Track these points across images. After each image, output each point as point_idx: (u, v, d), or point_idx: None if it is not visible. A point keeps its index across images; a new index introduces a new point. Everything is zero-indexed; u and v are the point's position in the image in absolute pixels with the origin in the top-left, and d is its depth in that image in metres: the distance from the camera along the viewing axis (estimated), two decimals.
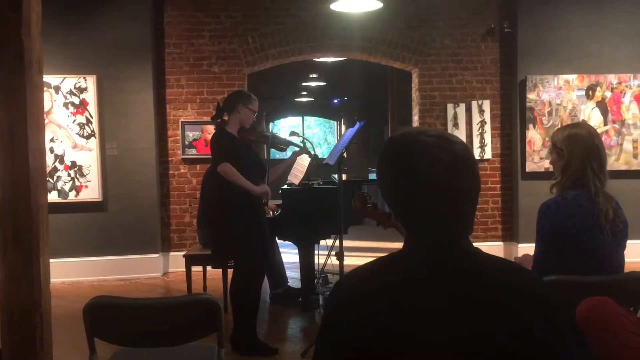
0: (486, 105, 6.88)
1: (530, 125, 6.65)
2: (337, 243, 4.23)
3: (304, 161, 5.00)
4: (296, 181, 5.06)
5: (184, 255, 5.08)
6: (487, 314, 1.15)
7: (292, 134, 4.92)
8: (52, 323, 2.35)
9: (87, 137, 6.30)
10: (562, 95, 6.67)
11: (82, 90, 6.28)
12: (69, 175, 6.29)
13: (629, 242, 2.49)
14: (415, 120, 7.19)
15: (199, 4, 6.66)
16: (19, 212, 2.13)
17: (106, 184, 6.36)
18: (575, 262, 2.37)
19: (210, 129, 6.25)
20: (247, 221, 3.95)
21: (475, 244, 1.25)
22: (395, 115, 13.01)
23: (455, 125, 6.83)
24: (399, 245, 1.29)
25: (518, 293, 1.19)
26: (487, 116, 6.88)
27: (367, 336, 1.15)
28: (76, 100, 6.28)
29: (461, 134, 6.72)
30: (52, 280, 2.42)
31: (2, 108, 2.07)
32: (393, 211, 1.30)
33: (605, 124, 6.70)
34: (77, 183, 6.30)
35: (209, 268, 5.36)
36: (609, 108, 6.71)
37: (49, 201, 2.41)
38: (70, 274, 6.20)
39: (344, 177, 4.74)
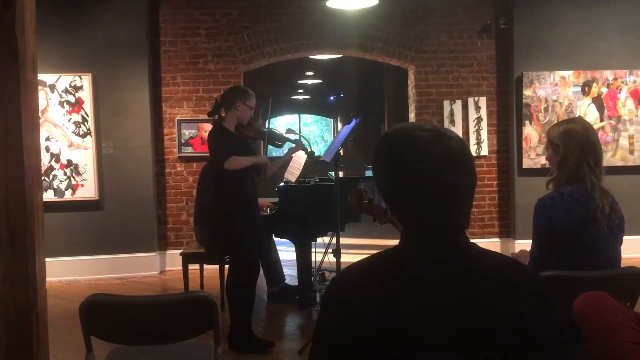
0: (482, 102, 6.88)
1: (527, 122, 6.66)
2: (334, 240, 4.23)
3: (300, 158, 5.00)
4: (293, 178, 5.06)
5: (180, 254, 5.08)
6: (483, 309, 1.15)
7: (289, 131, 4.91)
8: (49, 322, 2.34)
9: (83, 136, 6.29)
10: (558, 91, 6.68)
11: (77, 88, 6.26)
12: (65, 174, 6.28)
13: (625, 237, 2.49)
14: (412, 117, 7.20)
15: (195, 1, 6.64)
16: (14, 211, 2.12)
17: (102, 183, 6.35)
18: (572, 257, 2.38)
19: (207, 127, 6.24)
20: (241, 218, 3.95)
21: (472, 241, 1.25)
22: (392, 112, 13.02)
23: (452, 122, 6.83)
24: (395, 242, 1.28)
25: (514, 288, 1.19)
26: (483, 113, 6.88)
27: (363, 332, 1.15)
28: (72, 99, 6.26)
29: (458, 131, 6.72)
30: (48, 279, 2.41)
31: None
32: (389, 206, 1.30)
33: (601, 120, 6.71)
34: (73, 182, 6.28)
35: (206, 266, 5.36)
36: (605, 104, 6.72)
37: (45, 200, 2.40)
38: (66, 272, 6.19)
39: (340, 174, 4.73)
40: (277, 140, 4.48)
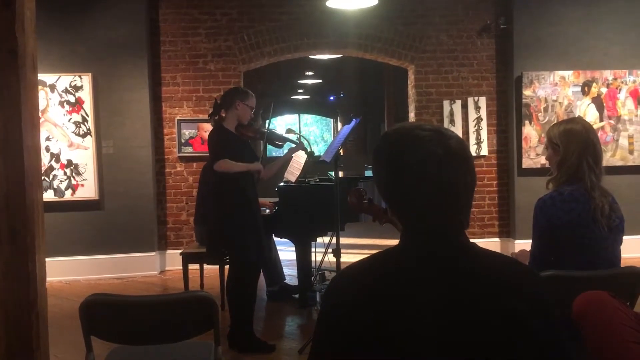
0: (482, 101, 6.88)
1: (527, 122, 6.66)
2: (334, 240, 4.23)
3: (300, 158, 5.00)
4: (293, 178, 5.06)
5: (180, 253, 5.08)
6: (483, 308, 1.15)
7: (289, 131, 4.91)
8: (49, 322, 2.35)
9: (83, 136, 6.29)
10: (558, 91, 6.68)
11: (77, 88, 6.26)
12: (65, 174, 6.28)
13: (625, 237, 2.49)
14: (412, 117, 7.20)
15: (194, 1, 6.64)
16: (14, 211, 2.12)
17: (102, 183, 6.35)
18: (572, 257, 2.38)
19: (207, 127, 6.24)
20: (242, 218, 3.95)
21: (472, 241, 1.25)
22: (392, 112, 13.02)
23: (452, 122, 6.83)
24: (395, 242, 1.29)
25: (513, 287, 1.19)
26: (483, 113, 6.88)
27: (363, 332, 1.15)
28: (72, 99, 6.26)
29: (457, 131, 6.72)
30: (48, 279, 2.41)
31: None
32: (389, 206, 1.30)
33: (601, 119, 6.71)
34: (73, 182, 6.28)
35: (206, 266, 5.36)
36: (604, 104, 6.72)
37: (45, 200, 2.40)
38: (66, 272, 6.19)
39: (340, 174, 4.73)
40: (277, 140, 4.48)
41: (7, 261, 2.11)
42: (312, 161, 4.93)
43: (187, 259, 4.95)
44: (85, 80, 6.26)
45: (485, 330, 1.14)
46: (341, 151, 4.55)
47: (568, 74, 6.67)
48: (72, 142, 6.28)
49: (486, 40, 6.92)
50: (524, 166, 6.68)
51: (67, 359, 3.89)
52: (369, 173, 6.88)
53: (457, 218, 1.24)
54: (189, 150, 6.63)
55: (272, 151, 15.78)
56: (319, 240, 5.10)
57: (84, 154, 6.28)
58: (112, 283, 6.10)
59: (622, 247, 2.48)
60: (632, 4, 6.73)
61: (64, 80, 6.25)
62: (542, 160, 6.37)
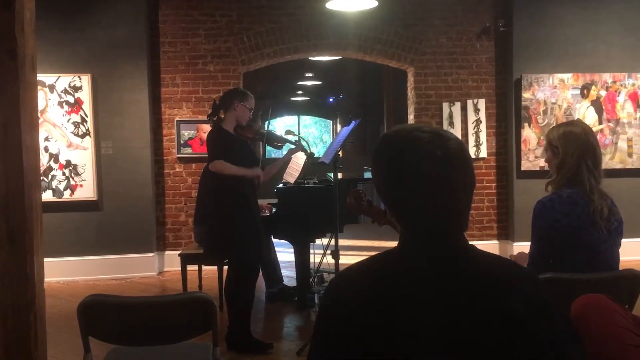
0: (481, 104, 6.89)
1: (526, 124, 6.67)
2: (333, 241, 4.23)
3: (299, 160, 5.00)
4: (292, 180, 5.06)
5: (179, 254, 5.07)
6: (482, 310, 1.15)
7: (288, 132, 4.91)
8: (47, 322, 2.34)
9: (82, 136, 6.28)
10: (557, 94, 6.68)
11: (76, 89, 6.26)
12: (63, 174, 6.27)
13: (624, 240, 2.50)
14: (411, 119, 7.20)
15: (194, 2, 6.64)
16: (12, 211, 2.11)
17: (101, 183, 6.35)
18: (571, 259, 2.38)
19: (206, 128, 6.24)
20: (241, 219, 3.95)
21: (470, 243, 1.25)
22: (391, 114, 13.03)
23: (451, 124, 6.84)
24: (394, 244, 1.29)
25: (512, 288, 1.19)
26: (482, 115, 6.89)
27: (362, 333, 1.15)
28: (71, 99, 6.26)
29: (457, 133, 6.72)
30: (46, 279, 2.41)
31: None
32: (388, 207, 1.30)
33: (600, 122, 6.71)
34: (72, 182, 6.28)
35: (204, 267, 5.35)
36: (603, 107, 6.73)
37: (43, 200, 2.40)
38: (65, 273, 6.18)
39: (339, 175, 4.73)
40: (276, 141, 4.48)
41: (5, 261, 2.11)
42: (311, 162, 4.93)
43: (185, 259, 4.94)
44: (85, 81, 6.25)
45: (484, 332, 1.13)
46: (340, 153, 4.55)
47: (567, 76, 6.68)
48: (71, 142, 6.27)
49: (485, 43, 6.93)
50: (523, 169, 6.68)
51: (65, 359, 3.88)
52: (368, 175, 6.89)
53: (456, 220, 1.24)
54: (188, 151, 6.63)
55: (271, 152, 15.78)
56: (318, 241, 5.10)
57: (83, 155, 6.28)
58: (111, 284, 6.09)
59: (621, 250, 2.48)
60: (631, 7, 6.74)
61: (63, 80, 6.24)
62: (541, 162, 6.38)
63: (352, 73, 13.77)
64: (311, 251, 5.02)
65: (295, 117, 20.68)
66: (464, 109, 6.89)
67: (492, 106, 6.94)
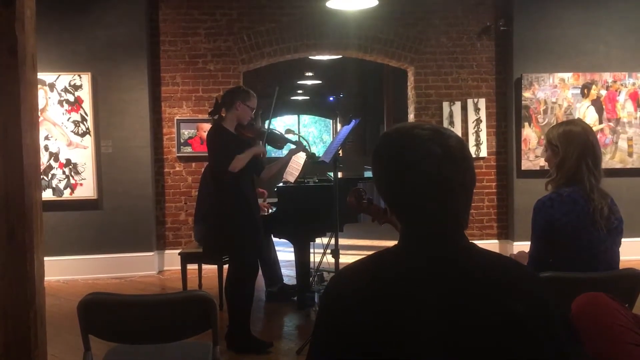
0: (482, 103, 6.89)
1: (526, 124, 6.66)
2: (333, 241, 4.23)
3: (299, 159, 4.99)
4: (292, 179, 5.05)
5: (179, 253, 5.07)
6: (481, 308, 1.15)
7: (288, 131, 4.90)
8: (47, 321, 2.34)
9: (82, 135, 6.28)
10: (557, 93, 6.68)
11: (76, 87, 6.26)
12: (63, 173, 6.27)
13: (624, 240, 2.50)
14: (411, 119, 7.20)
15: (194, 1, 6.64)
16: (12, 209, 2.11)
17: (101, 182, 6.35)
18: (571, 258, 2.38)
19: (206, 127, 6.24)
20: (241, 218, 3.95)
21: (470, 242, 1.25)
22: (391, 113, 13.03)
23: (451, 123, 6.83)
24: (394, 243, 1.28)
25: (511, 287, 1.19)
26: (482, 114, 6.88)
27: (361, 331, 1.15)
28: (71, 98, 6.26)
29: (457, 132, 6.63)
30: (46, 278, 2.40)
31: None
32: (388, 206, 1.30)
33: (601, 122, 6.71)
34: (71, 181, 6.28)
35: (204, 266, 5.35)
36: (604, 106, 6.73)
37: (43, 199, 2.40)
38: (64, 272, 6.18)
39: (339, 174, 4.73)
40: (277, 141, 4.48)
41: (5, 260, 2.11)
42: (312, 162, 4.93)
43: (185, 258, 4.94)
44: (85, 80, 6.25)
45: (484, 332, 1.13)
46: (340, 152, 4.55)
47: (568, 76, 6.68)
48: (71, 141, 6.27)
49: (486, 42, 6.92)
50: (523, 168, 6.68)
51: (65, 358, 3.88)
52: (368, 174, 6.89)
53: (456, 218, 1.24)
54: (188, 150, 6.63)
55: (272, 152, 15.77)
56: (318, 240, 5.10)
57: (83, 153, 6.28)
58: (111, 283, 6.09)
59: (621, 249, 2.48)
60: (631, 7, 6.73)
61: (64, 79, 6.24)
62: (542, 162, 6.38)
63: (352, 72, 13.77)
64: (311, 250, 5.02)
65: (295, 116, 20.68)
66: (464, 109, 6.89)
67: (492, 105, 6.94)
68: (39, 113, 5.86)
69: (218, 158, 3.94)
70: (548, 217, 2.40)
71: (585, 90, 6.70)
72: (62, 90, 6.25)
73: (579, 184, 2.41)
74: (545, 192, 2.52)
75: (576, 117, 6.48)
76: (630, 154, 6.74)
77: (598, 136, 5.10)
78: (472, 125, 6.87)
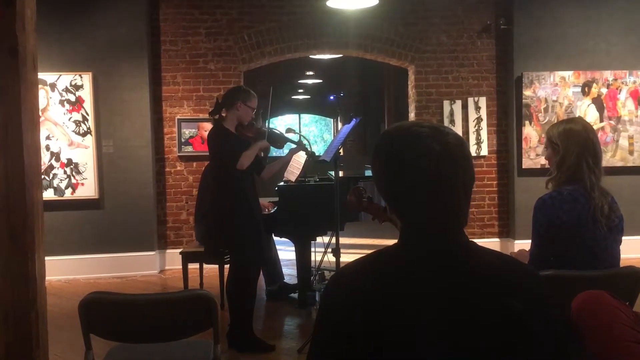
0: (482, 102, 6.88)
1: (527, 122, 6.66)
2: (334, 240, 4.23)
3: (300, 158, 4.99)
4: (292, 178, 5.06)
5: (180, 253, 5.08)
6: (481, 305, 1.15)
7: (289, 130, 4.91)
8: (48, 320, 2.34)
9: (83, 135, 6.29)
10: (558, 91, 6.68)
11: (78, 87, 6.26)
12: (65, 172, 6.28)
13: (624, 238, 2.50)
14: (412, 117, 7.19)
15: (195, 1, 6.64)
16: (14, 209, 2.11)
17: (102, 182, 6.35)
18: (571, 256, 2.38)
19: (207, 126, 6.24)
20: (242, 217, 3.95)
21: (471, 240, 1.25)
22: (392, 112, 13.02)
23: (452, 122, 6.83)
24: (394, 242, 1.28)
25: (512, 284, 1.20)
26: (483, 113, 6.88)
27: (361, 329, 1.15)
28: (72, 98, 6.27)
29: (457, 131, 6.69)
30: (47, 278, 2.41)
31: None
32: (388, 203, 1.30)
33: (601, 120, 6.71)
34: (73, 180, 6.28)
35: (205, 265, 5.36)
36: (604, 104, 6.72)
37: (45, 199, 2.40)
38: (66, 271, 6.19)
39: (340, 173, 4.73)
40: (277, 140, 4.47)
41: (6, 260, 2.11)
42: (312, 161, 4.93)
43: (186, 258, 4.95)
44: (86, 79, 6.26)
45: (483, 329, 1.14)
46: (341, 151, 4.55)
47: (568, 74, 6.67)
48: (72, 141, 6.28)
49: (486, 41, 6.92)
50: (524, 166, 6.68)
51: (67, 357, 3.89)
52: (368, 173, 6.89)
53: (455, 215, 1.24)
54: (189, 149, 6.63)
55: (273, 151, 15.76)
56: (319, 239, 5.10)
57: (84, 153, 6.29)
58: (112, 282, 6.10)
59: (621, 247, 2.48)
60: (632, 5, 6.73)
61: (65, 79, 6.25)
62: (542, 160, 6.37)
63: (352, 71, 13.77)
64: (312, 249, 5.03)
65: (296, 115, 20.67)
66: (464, 107, 6.89)
67: (493, 104, 6.94)
68: (40, 113, 5.87)
69: (225, 157, 3.92)
70: (549, 216, 2.40)
71: (585, 88, 6.69)
72: (63, 90, 6.25)
73: (579, 182, 2.41)
74: (545, 191, 2.52)
75: (577, 116, 6.47)
76: (631, 152, 6.74)
77: (599, 134, 5.09)
78: (472, 123, 6.87)
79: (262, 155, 4.16)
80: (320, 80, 15.58)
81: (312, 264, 5.12)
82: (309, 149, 4.56)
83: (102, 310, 2.32)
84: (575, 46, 6.70)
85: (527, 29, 6.68)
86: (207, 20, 6.66)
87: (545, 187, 2.55)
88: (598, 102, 6.71)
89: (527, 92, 6.65)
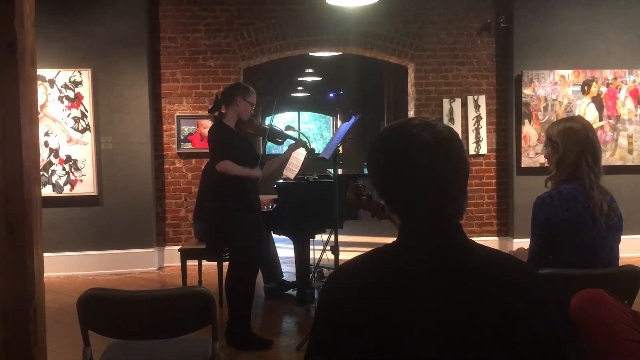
0: (482, 100, 6.88)
1: (526, 121, 6.66)
2: (333, 237, 4.23)
3: (299, 155, 4.99)
4: (292, 175, 5.05)
5: (179, 250, 5.07)
6: (479, 303, 1.15)
7: (288, 128, 4.90)
8: (47, 317, 2.34)
9: (82, 131, 6.28)
10: (557, 90, 6.68)
11: (77, 83, 6.26)
12: (63, 169, 6.27)
13: (623, 237, 2.49)
14: (411, 115, 7.19)
15: None
16: (12, 205, 2.11)
17: (101, 178, 6.35)
18: (570, 255, 2.38)
19: (206, 124, 6.24)
20: (242, 216, 3.95)
21: (470, 239, 1.25)
22: (391, 110, 13.03)
23: (451, 120, 6.83)
24: (393, 240, 1.28)
25: (510, 283, 1.20)
26: (482, 111, 6.88)
27: (360, 326, 1.15)
28: (71, 94, 6.26)
29: (457, 129, 6.71)
30: (46, 274, 2.41)
31: None
32: (383, 199, 1.31)
33: (601, 119, 6.71)
34: (71, 177, 6.28)
35: (204, 262, 5.36)
36: (604, 103, 6.72)
37: (43, 195, 2.40)
38: (64, 268, 6.19)
39: (339, 171, 4.73)
40: (277, 137, 4.47)
41: (5, 256, 2.11)
42: (312, 158, 4.93)
43: (185, 255, 4.95)
44: (85, 76, 6.25)
45: (482, 327, 1.14)
46: (340, 149, 4.54)
47: (568, 73, 6.67)
48: (71, 137, 6.27)
49: (486, 39, 6.92)
50: (523, 165, 6.68)
51: (65, 353, 3.89)
52: (367, 171, 6.89)
53: (451, 207, 1.24)
54: (188, 146, 6.63)
55: (272, 148, 15.77)
56: (318, 237, 5.10)
57: (83, 150, 6.28)
58: (111, 279, 6.10)
59: (620, 246, 2.48)
60: (632, 4, 6.72)
61: (64, 75, 6.24)
62: (541, 159, 6.37)
63: (352, 69, 13.76)
64: (311, 247, 5.03)
65: (296, 113, 20.67)
66: (464, 105, 6.89)
67: (492, 102, 6.93)
68: (39, 109, 5.86)
69: (216, 156, 3.94)
70: (548, 214, 2.40)
71: (585, 87, 6.69)
72: (62, 87, 6.24)
73: (578, 180, 2.41)
74: (545, 189, 2.52)
75: (576, 114, 6.47)
76: (630, 152, 6.74)
77: (598, 133, 5.09)
78: (472, 122, 6.87)
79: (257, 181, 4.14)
80: (320, 78, 15.58)
81: (311, 261, 5.12)
82: (308, 146, 4.56)
83: (100, 307, 2.32)
84: (575, 45, 6.70)
85: (527, 27, 6.68)
86: (207, 17, 6.65)
87: (544, 185, 2.55)
88: (597, 101, 6.71)
89: (526, 91, 6.64)
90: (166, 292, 2.61)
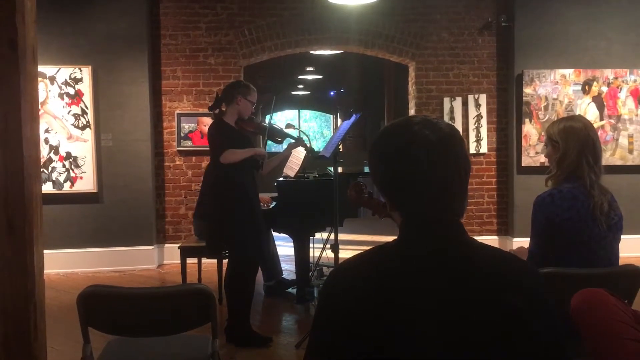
0: (482, 99, 6.88)
1: (527, 120, 6.66)
2: (333, 236, 4.23)
3: (299, 154, 4.99)
4: (292, 173, 5.05)
5: (179, 247, 5.07)
6: (480, 301, 1.15)
7: (288, 126, 4.90)
8: (47, 314, 2.34)
9: (82, 128, 6.28)
10: (558, 89, 6.67)
11: (77, 80, 6.25)
12: (63, 166, 6.27)
13: (623, 236, 2.50)
14: (412, 114, 7.19)
15: None
16: (12, 202, 2.11)
17: (101, 176, 6.35)
18: (570, 254, 2.38)
19: (206, 121, 6.24)
20: (242, 213, 3.95)
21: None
22: (392, 108, 13.02)
23: (452, 119, 6.83)
24: (394, 238, 1.28)
25: (510, 281, 1.20)
26: (483, 110, 6.88)
27: (360, 324, 1.15)
28: (71, 91, 6.25)
29: (457, 128, 6.70)
30: (46, 271, 2.41)
31: None
32: (384, 196, 1.31)
33: (601, 119, 6.70)
34: (72, 174, 6.28)
35: (204, 260, 5.36)
36: (605, 103, 6.72)
37: (43, 192, 2.40)
38: (64, 265, 6.19)
39: (339, 169, 4.73)
40: (277, 135, 4.47)
41: (5, 253, 2.11)
42: (312, 157, 4.92)
43: (185, 252, 4.95)
44: (85, 73, 6.25)
45: (482, 325, 1.14)
46: (340, 147, 4.54)
47: (569, 72, 6.67)
48: (72, 134, 6.27)
49: (487, 38, 6.91)
50: (523, 164, 6.68)
51: (65, 350, 3.89)
52: (368, 169, 6.89)
53: (451, 204, 1.24)
54: (188, 144, 6.63)
55: (272, 147, 15.76)
56: (318, 235, 5.10)
57: (83, 147, 6.28)
58: (110, 276, 6.10)
59: (620, 246, 2.48)
60: (633, 3, 6.72)
61: (64, 72, 6.23)
62: (542, 158, 6.37)
63: (353, 67, 13.76)
64: (311, 245, 5.03)
65: (296, 111, 20.66)
66: (465, 104, 6.88)
67: (493, 101, 6.93)
68: (39, 106, 5.85)
69: (217, 152, 3.94)
70: (548, 213, 2.40)
71: (586, 86, 6.69)
72: (62, 84, 6.24)
73: (579, 180, 2.41)
74: (545, 188, 2.52)
75: (577, 114, 6.47)
76: (630, 151, 6.74)
77: (599, 133, 5.09)
78: (472, 121, 6.87)
79: (260, 162, 4.14)
80: (321, 76, 15.57)
81: (311, 259, 5.12)
82: (308, 145, 4.56)
83: (100, 304, 2.32)
84: (576, 44, 6.70)
85: (528, 26, 6.67)
86: (208, 14, 6.64)
87: (544, 184, 2.55)
88: (598, 101, 6.71)
89: (527, 90, 6.64)
90: (166, 289, 2.61)
